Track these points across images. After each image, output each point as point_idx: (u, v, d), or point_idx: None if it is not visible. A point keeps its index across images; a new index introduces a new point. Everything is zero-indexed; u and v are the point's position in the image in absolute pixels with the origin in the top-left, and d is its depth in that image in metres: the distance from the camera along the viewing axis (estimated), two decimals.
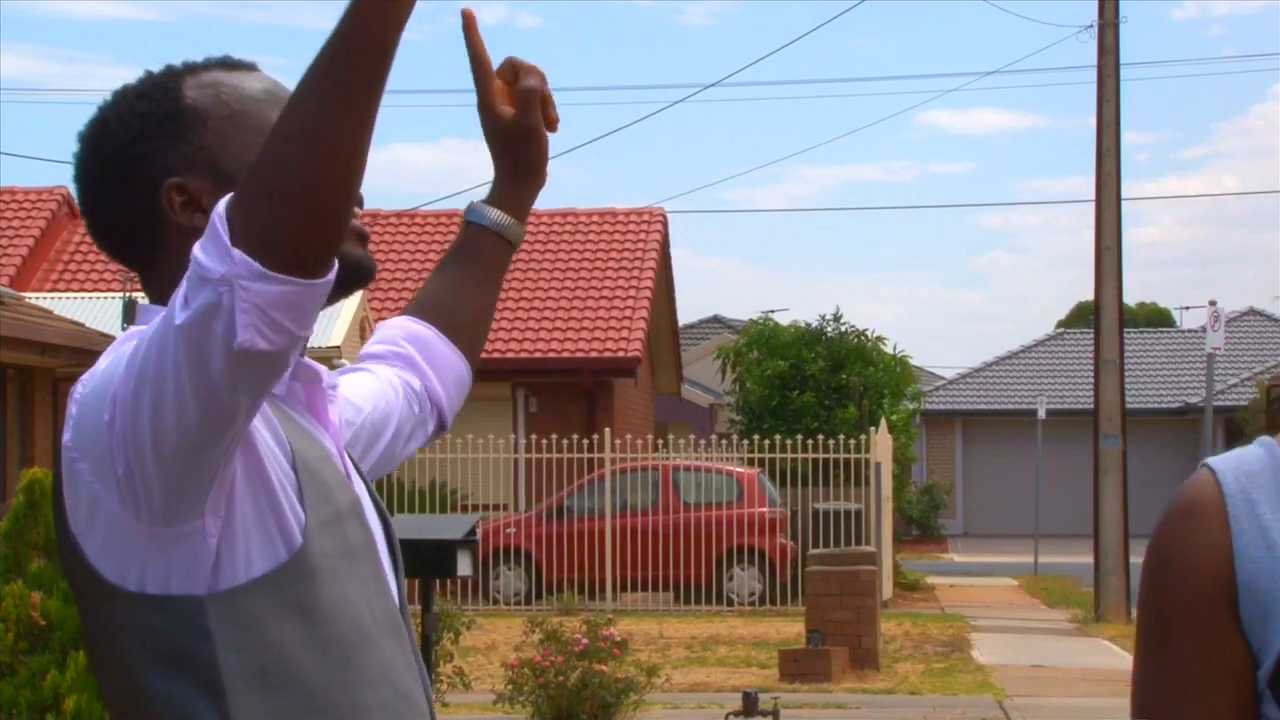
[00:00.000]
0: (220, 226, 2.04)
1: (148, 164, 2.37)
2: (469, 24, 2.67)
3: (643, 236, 35.36)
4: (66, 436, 2.21)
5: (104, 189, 2.41)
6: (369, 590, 2.33)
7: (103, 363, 2.21)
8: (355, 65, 2.03)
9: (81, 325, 22.67)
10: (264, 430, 2.25)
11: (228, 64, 2.45)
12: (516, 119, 2.69)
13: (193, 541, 2.19)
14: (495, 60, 2.69)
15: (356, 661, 2.29)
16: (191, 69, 2.44)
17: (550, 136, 2.73)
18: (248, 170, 2.07)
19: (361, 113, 2.04)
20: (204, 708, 2.21)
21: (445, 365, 2.74)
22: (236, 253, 2.02)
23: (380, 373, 2.70)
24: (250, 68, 2.47)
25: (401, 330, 2.75)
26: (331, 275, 2.07)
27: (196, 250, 2.06)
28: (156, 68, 2.47)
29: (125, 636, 2.23)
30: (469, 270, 2.77)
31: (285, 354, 2.08)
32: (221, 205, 2.06)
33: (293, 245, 2.03)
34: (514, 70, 2.68)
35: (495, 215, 2.75)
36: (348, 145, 2.04)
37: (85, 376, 2.22)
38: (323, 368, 2.42)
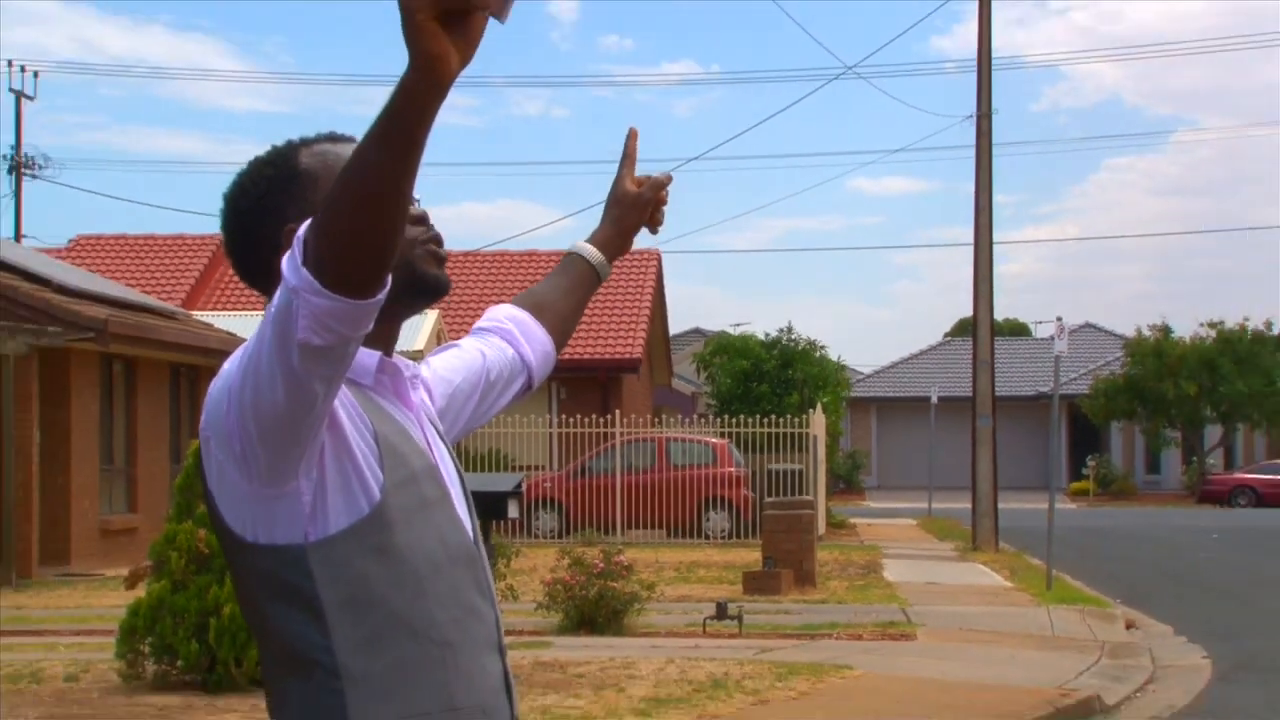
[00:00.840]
0: (298, 246, 1.95)
1: (273, 215, 2.27)
2: (632, 137, 2.78)
3: (643, 270, 35.38)
4: (202, 420, 2.16)
5: (242, 235, 2.32)
6: (443, 531, 2.23)
7: (226, 364, 2.13)
8: (390, 151, 1.89)
9: (234, 335, 22.72)
10: (350, 413, 2.17)
11: (333, 137, 2.34)
12: (636, 192, 2.77)
13: (290, 499, 2.13)
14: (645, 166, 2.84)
15: (429, 587, 2.20)
16: (306, 141, 2.33)
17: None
18: (316, 212, 1.96)
19: (394, 184, 1.89)
20: (310, 628, 2.16)
21: (536, 341, 2.69)
22: (303, 270, 1.93)
23: (468, 345, 2.63)
24: (351, 140, 2.33)
25: (506, 312, 2.71)
26: (380, 298, 1.96)
27: (284, 259, 1.97)
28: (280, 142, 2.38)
29: (251, 575, 2.19)
30: (564, 280, 2.75)
31: (340, 348, 1.97)
32: (303, 229, 1.96)
33: (343, 275, 1.93)
34: (649, 178, 2.79)
35: (592, 250, 2.77)
36: (384, 206, 1.91)
37: (216, 376, 2.15)
38: (406, 362, 2.31)
